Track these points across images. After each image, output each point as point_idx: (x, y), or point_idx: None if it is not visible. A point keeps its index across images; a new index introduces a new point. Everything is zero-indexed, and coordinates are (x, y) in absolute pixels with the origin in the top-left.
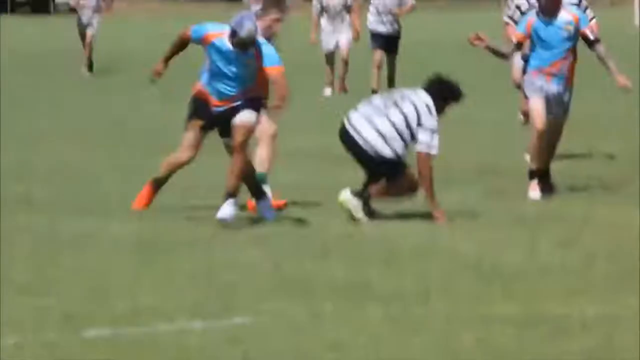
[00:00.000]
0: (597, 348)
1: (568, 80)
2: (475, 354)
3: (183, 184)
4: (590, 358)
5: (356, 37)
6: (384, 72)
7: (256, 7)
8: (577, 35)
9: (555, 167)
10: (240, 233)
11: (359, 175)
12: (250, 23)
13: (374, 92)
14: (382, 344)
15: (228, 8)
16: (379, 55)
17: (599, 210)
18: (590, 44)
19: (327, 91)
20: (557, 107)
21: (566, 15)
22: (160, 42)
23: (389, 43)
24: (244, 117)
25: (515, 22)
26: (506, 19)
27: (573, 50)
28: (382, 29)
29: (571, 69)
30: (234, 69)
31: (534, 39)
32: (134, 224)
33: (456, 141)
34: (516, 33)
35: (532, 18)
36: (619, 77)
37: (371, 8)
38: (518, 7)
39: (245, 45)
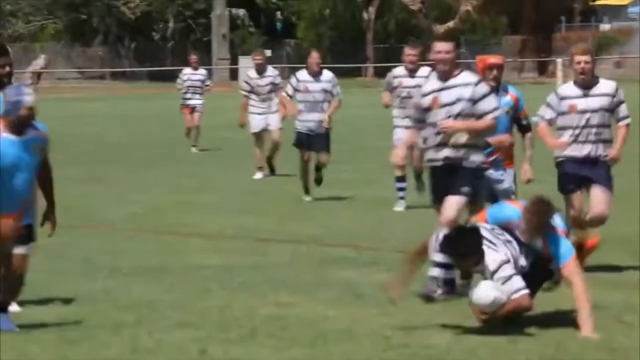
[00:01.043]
0: None
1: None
2: None
3: (109, 265)
4: None
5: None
6: None
7: None
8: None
9: None
10: (166, 317)
11: (283, 257)
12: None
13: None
14: None
15: (153, 87)
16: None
17: None
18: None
19: (258, 175)
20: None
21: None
22: (82, 123)
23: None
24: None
25: None
26: None
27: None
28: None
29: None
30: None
31: None
32: (58, 308)
33: (383, 222)
34: None
35: None
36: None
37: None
38: None
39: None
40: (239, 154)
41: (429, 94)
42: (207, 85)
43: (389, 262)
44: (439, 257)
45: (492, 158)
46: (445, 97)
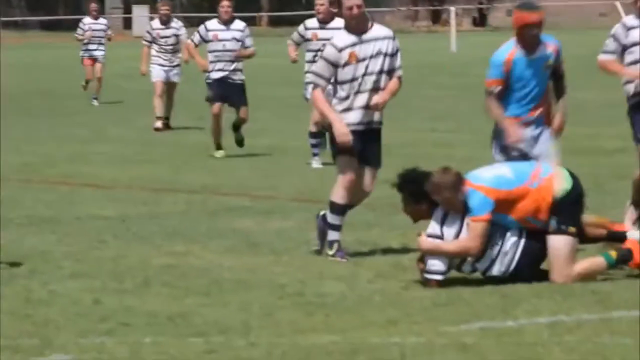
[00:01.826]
0: None
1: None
2: None
3: (2, 216)
4: None
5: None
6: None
7: None
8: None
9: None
10: (60, 267)
11: (178, 207)
12: None
13: None
14: None
15: (47, 36)
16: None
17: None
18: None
19: (158, 124)
20: None
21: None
22: None
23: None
24: None
25: None
26: None
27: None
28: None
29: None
30: None
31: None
32: None
33: (279, 171)
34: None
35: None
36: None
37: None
38: None
39: None
40: (134, 104)
41: (344, 49)
42: (109, 35)
43: (284, 211)
44: (335, 220)
45: (537, 113)
46: (364, 51)
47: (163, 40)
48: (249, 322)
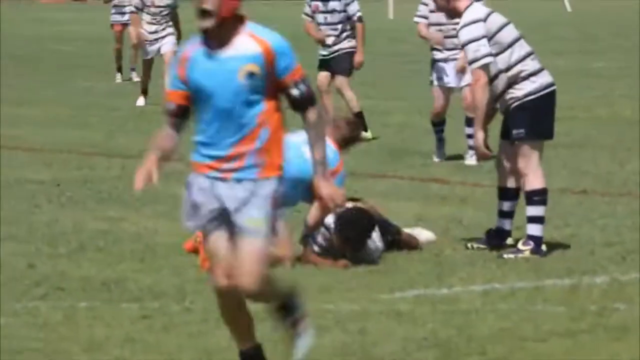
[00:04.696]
0: (351, 342)
1: None
2: (228, 352)
3: None
4: (345, 352)
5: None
6: None
7: None
8: None
9: None
10: None
11: (112, 172)
12: None
13: None
14: (137, 343)
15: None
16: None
17: None
18: None
19: (141, 100)
20: None
21: None
22: None
23: None
24: None
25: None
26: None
27: None
28: None
29: None
30: None
31: None
32: None
33: None
34: None
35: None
36: None
37: None
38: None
39: None
40: (66, 65)
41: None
42: None
43: None
44: None
45: None
46: None
47: (155, 9)
48: (183, 288)
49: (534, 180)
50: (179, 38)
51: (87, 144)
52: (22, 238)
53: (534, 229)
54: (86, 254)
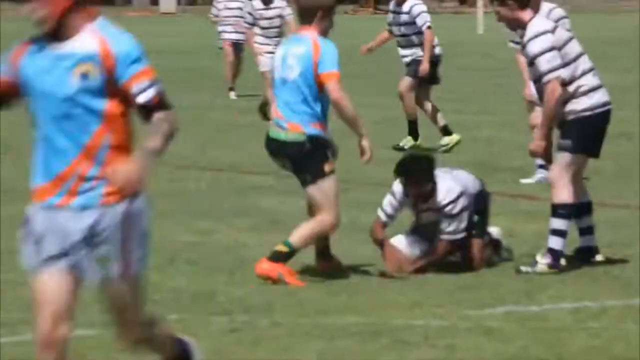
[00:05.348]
0: (439, 359)
1: None
2: None
3: None
4: None
5: None
6: None
7: None
8: None
9: None
10: None
11: (203, 184)
12: None
13: None
14: (225, 355)
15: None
16: None
17: None
18: None
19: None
20: None
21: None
22: None
23: None
24: None
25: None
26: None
27: None
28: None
29: None
30: None
31: None
32: None
33: None
34: None
35: None
36: None
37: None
38: None
39: None
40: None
41: None
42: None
43: None
44: None
45: None
46: None
47: (266, 22)
48: (272, 301)
49: (562, 193)
50: None
51: (179, 156)
52: None
53: (554, 242)
54: (177, 266)
